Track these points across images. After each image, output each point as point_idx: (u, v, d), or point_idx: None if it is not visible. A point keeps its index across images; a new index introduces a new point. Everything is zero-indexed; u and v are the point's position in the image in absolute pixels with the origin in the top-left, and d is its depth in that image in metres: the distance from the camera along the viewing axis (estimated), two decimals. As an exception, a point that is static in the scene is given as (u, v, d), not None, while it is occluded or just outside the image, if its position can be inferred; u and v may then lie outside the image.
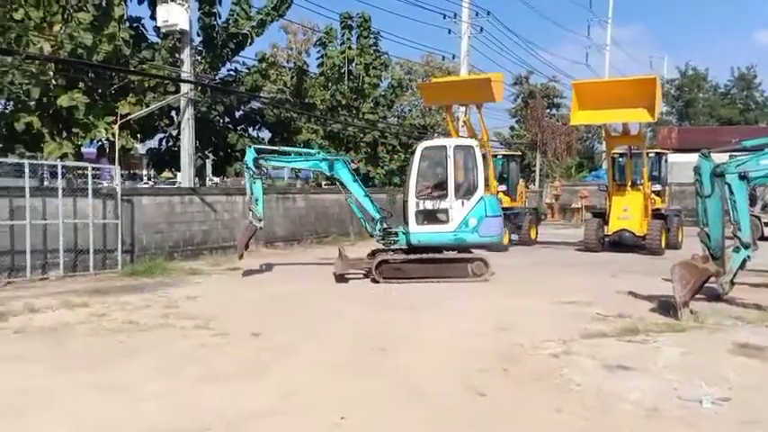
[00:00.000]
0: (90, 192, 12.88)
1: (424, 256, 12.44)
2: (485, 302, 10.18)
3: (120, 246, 13.53)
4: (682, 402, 5.44)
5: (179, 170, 18.63)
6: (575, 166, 47.90)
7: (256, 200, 12.94)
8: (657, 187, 19.49)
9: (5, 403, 5.40)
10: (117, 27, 14.87)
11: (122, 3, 15.18)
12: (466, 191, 12.43)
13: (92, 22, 14.55)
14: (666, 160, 20.61)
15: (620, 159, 19.40)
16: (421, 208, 12.43)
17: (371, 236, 13.25)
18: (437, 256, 12.52)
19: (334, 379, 6.19)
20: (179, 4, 15.73)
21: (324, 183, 26.42)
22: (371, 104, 26.23)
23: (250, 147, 13.45)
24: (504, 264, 15.14)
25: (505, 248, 18.06)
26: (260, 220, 13.01)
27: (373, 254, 12.95)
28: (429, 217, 12.44)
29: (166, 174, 26.72)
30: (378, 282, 12.14)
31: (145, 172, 42.23)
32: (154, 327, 8.34)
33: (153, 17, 17.19)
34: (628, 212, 17.85)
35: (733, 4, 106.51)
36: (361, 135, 25.35)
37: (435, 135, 34.09)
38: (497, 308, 9.68)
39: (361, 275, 12.82)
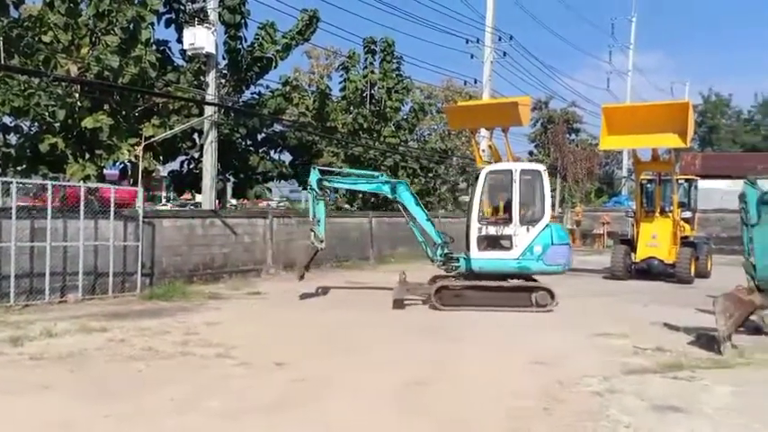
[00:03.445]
0: (111, 214, 12.74)
1: (486, 283, 11.97)
2: (516, 334, 9.80)
3: (139, 268, 13.34)
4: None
5: (200, 192, 18.52)
6: (594, 191, 47.42)
7: (318, 221, 12.80)
8: (687, 214, 19.10)
9: (20, 437, 5.12)
10: (143, 50, 14.85)
11: (149, 26, 15.17)
12: (531, 217, 11.95)
13: (119, 45, 14.55)
14: (696, 187, 20.24)
15: (649, 185, 19.02)
16: (483, 233, 12.01)
17: (432, 261, 12.85)
18: (499, 284, 11.97)
19: (370, 416, 5.84)
20: (205, 27, 15.76)
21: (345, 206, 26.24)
22: (393, 128, 26.10)
23: (314, 168, 13.34)
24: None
25: (530, 276, 17.66)
26: (321, 242, 12.86)
27: (434, 280, 12.59)
28: (492, 243, 12.01)
29: (186, 195, 26.69)
30: (437, 309, 11.79)
31: (164, 194, 42.36)
32: (173, 354, 8.06)
33: (179, 40, 17.24)
34: (656, 240, 17.46)
35: (756, 30, 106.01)
36: (382, 158, 25.18)
37: (455, 159, 33.92)
38: (529, 340, 9.32)
39: (420, 302, 12.49)
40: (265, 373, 7.26)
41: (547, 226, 11.85)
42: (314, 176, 12.89)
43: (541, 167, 12.39)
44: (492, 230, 12.01)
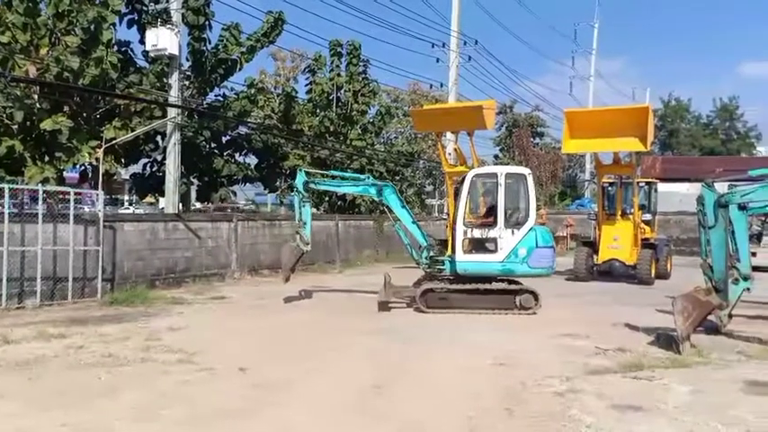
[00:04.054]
0: (71, 217, 12.47)
1: (471, 286, 11.96)
2: (479, 335, 9.86)
3: (100, 273, 13.07)
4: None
5: (163, 195, 18.26)
6: (558, 194, 48.05)
7: (305, 223, 12.76)
8: (647, 217, 19.46)
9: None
10: (105, 51, 14.57)
11: (111, 27, 14.91)
12: (516, 220, 12.00)
13: (79, 46, 14.27)
14: (656, 190, 20.64)
15: (610, 188, 19.33)
16: (469, 236, 12.03)
17: (418, 263, 12.84)
18: (483, 286, 11.97)
19: (330, 421, 5.82)
20: (168, 28, 15.52)
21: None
22: (359, 131, 26.07)
23: (301, 170, 13.24)
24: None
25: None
26: (307, 244, 12.81)
27: (419, 282, 12.58)
28: (477, 246, 12.03)
29: (149, 199, 26.24)
30: (422, 311, 11.79)
31: (126, 197, 41.64)
32: (134, 361, 7.92)
33: (142, 41, 16.99)
34: (618, 242, 17.73)
35: (715, 36, 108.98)
36: (349, 161, 25.14)
37: (421, 162, 34.05)
38: (492, 340, 9.38)
39: (404, 305, 12.47)
40: (228, 379, 7.17)
41: (531, 229, 11.91)
42: (300, 179, 12.81)
43: (527, 171, 12.45)
44: (477, 233, 12.05)
